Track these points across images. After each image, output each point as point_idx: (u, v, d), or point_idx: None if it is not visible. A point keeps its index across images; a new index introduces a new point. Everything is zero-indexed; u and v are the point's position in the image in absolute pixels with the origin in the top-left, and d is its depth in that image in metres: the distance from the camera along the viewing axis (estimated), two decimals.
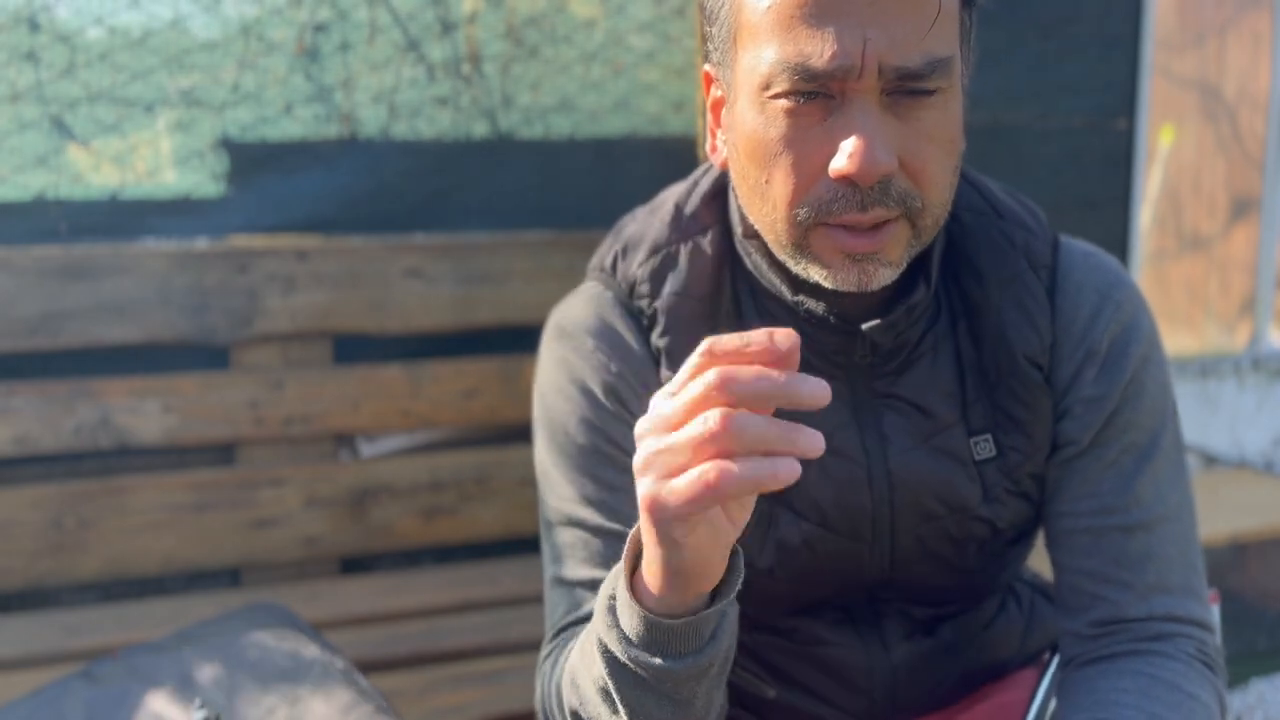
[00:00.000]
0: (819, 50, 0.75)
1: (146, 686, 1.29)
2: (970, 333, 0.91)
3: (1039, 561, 1.23)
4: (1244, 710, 2.32)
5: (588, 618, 0.91)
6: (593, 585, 0.91)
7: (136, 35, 1.96)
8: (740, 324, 0.91)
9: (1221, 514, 2.47)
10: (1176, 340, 3.15)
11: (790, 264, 0.84)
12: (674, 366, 0.90)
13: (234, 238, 2.01)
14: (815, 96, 0.77)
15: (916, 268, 0.88)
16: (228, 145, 2.03)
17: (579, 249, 2.13)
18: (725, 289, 0.92)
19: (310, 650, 1.37)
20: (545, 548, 0.96)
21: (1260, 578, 2.72)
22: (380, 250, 2.04)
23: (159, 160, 2.00)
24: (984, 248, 0.92)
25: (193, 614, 1.81)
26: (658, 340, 0.91)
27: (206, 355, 1.99)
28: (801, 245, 0.81)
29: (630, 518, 0.89)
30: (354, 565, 2.10)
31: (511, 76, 2.17)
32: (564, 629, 0.93)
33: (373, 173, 2.10)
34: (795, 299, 0.88)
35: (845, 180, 0.76)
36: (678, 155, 2.25)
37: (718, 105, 0.88)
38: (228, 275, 1.95)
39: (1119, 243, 2.73)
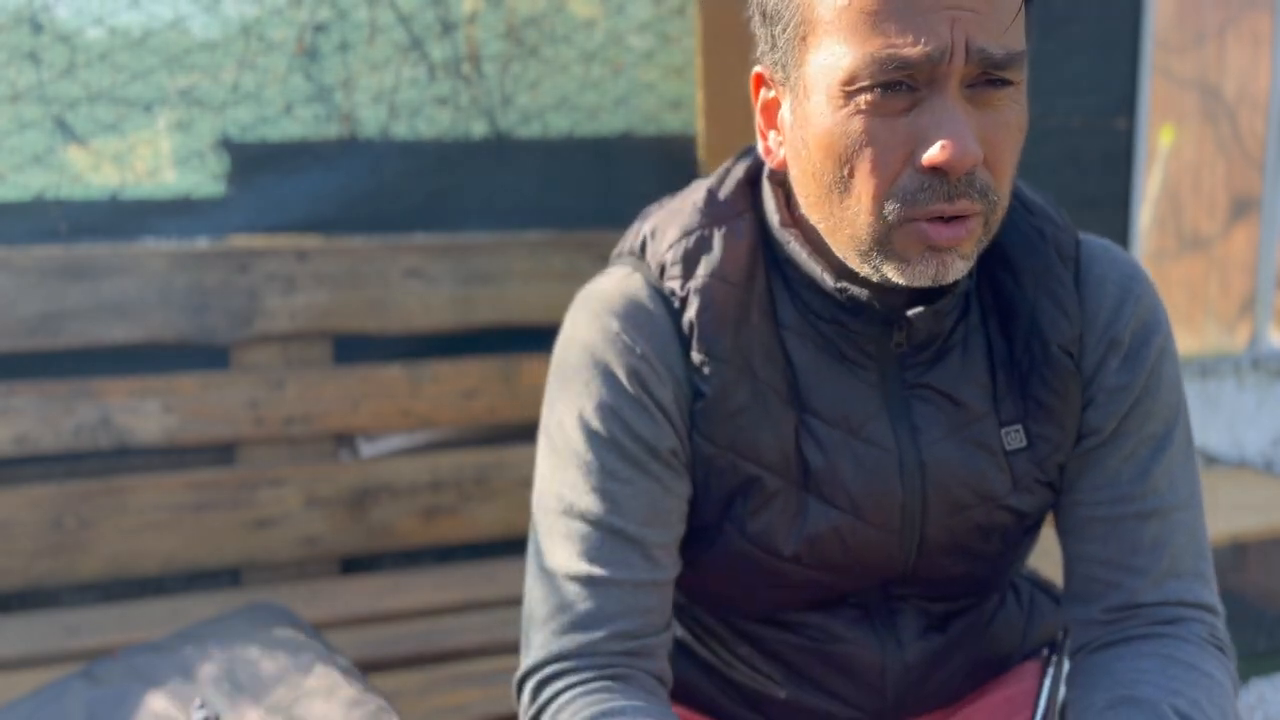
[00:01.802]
0: (910, 39, 0.75)
1: (146, 686, 1.29)
2: (1001, 326, 0.92)
3: (1036, 560, 1.24)
4: (1244, 710, 2.32)
5: (578, 623, 0.89)
6: (583, 580, 0.89)
7: (136, 35, 1.96)
8: (773, 310, 0.91)
9: (1221, 514, 2.47)
10: (1176, 340, 3.15)
11: (857, 260, 0.84)
12: (705, 349, 0.89)
13: (234, 238, 2.01)
14: (900, 89, 0.77)
15: None
16: (228, 145, 2.03)
17: (579, 249, 2.13)
18: (759, 275, 0.91)
19: (310, 650, 1.37)
20: (534, 535, 0.94)
21: (1260, 578, 2.72)
22: (380, 250, 2.04)
23: (159, 160, 2.00)
24: (1016, 241, 0.93)
25: (193, 614, 1.81)
26: (691, 319, 0.90)
27: (206, 355, 1.99)
28: (883, 242, 0.81)
29: (630, 513, 0.89)
30: (354, 565, 2.10)
31: (511, 76, 2.17)
32: (550, 660, 0.90)
33: (373, 173, 2.10)
34: (838, 285, 0.88)
35: (934, 171, 0.77)
36: (677, 154, 2.25)
37: (770, 107, 0.88)
38: (228, 275, 1.95)
39: (1119, 243, 2.73)
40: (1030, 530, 0.99)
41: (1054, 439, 0.93)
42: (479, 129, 2.16)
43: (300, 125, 2.06)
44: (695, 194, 0.96)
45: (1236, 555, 2.74)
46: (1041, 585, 1.13)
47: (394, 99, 2.11)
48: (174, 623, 1.76)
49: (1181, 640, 0.90)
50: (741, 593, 0.97)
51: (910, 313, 0.87)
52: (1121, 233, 2.74)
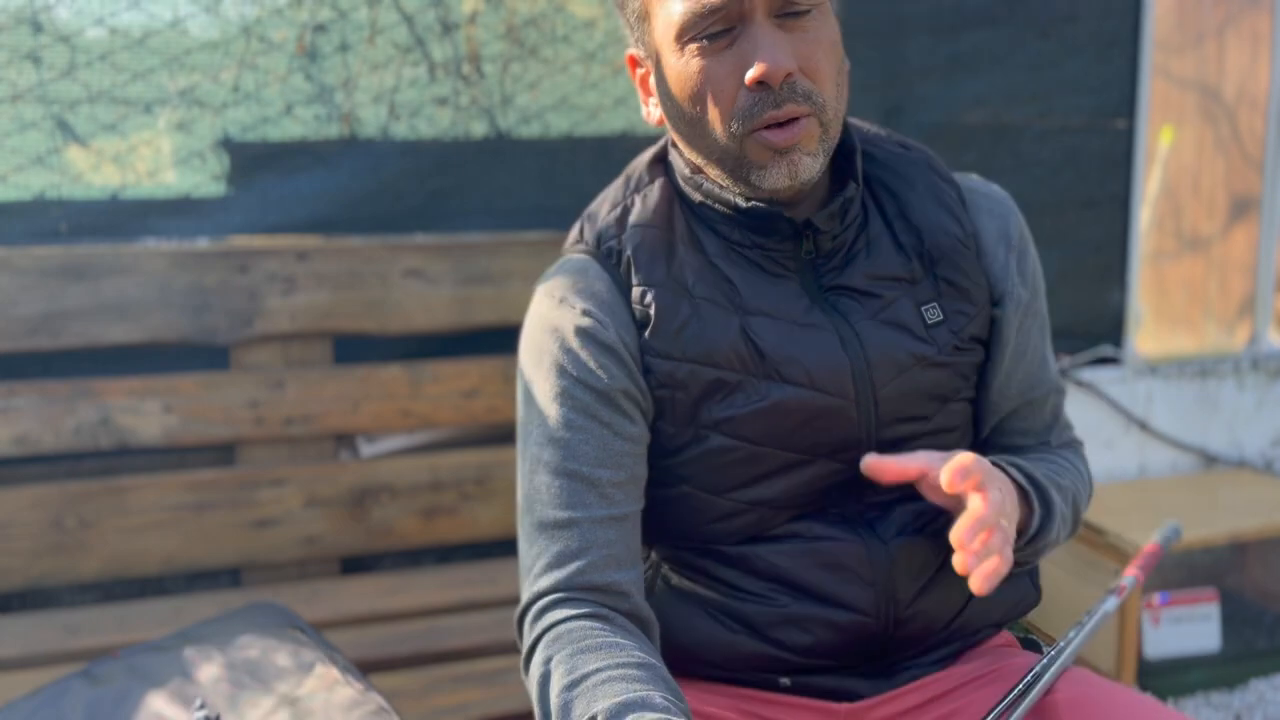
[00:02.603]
0: None
1: (146, 686, 1.29)
2: (906, 227, 1.10)
3: None
4: (1244, 710, 2.32)
5: (552, 563, 1.02)
6: (551, 524, 1.02)
7: (137, 35, 1.96)
8: (696, 243, 1.07)
9: (1221, 514, 2.47)
10: (1176, 340, 3.15)
11: (730, 181, 1.02)
12: (644, 278, 1.05)
13: (234, 238, 2.01)
14: (720, 34, 0.96)
15: (844, 174, 1.08)
16: (228, 145, 2.03)
17: None
18: (679, 220, 1.08)
19: (310, 650, 1.37)
20: (518, 493, 1.07)
21: (1260, 578, 2.72)
22: (380, 250, 2.04)
23: (159, 160, 2.00)
24: (900, 167, 1.12)
25: (193, 614, 1.81)
26: (629, 255, 1.06)
27: (206, 355, 1.99)
28: (739, 157, 0.99)
29: (583, 456, 1.02)
30: (354, 565, 2.10)
31: (511, 76, 2.17)
32: (535, 598, 1.02)
33: (373, 173, 2.10)
34: (750, 204, 1.03)
35: (760, 85, 0.95)
36: None
37: (644, 80, 1.08)
38: (228, 275, 1.95)
39: (1119, 243, 2.73)
40: (971, 398, 1.13)
41: (967, 312, 1.09)
42: (479, 129, 2.16)
43: (301, 125, 2.06)
44: (617, 181, 1.14)
45: (1236, 555, 2.74)
46: None
47: (394, 99, 2.11)
48: (174, 623, 1.76)
49: (1060, 447, 1.20)
50: (727, 501, 1.06)
51: (816, 216, 1.03)
52: (1121, 233, 2.73)
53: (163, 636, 1.45)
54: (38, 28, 1.90)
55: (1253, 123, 3.09)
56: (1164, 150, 3.02)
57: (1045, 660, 1.04)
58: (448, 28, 2.12)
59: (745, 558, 1.07)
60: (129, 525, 1.92)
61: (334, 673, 1.32)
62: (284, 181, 2.06)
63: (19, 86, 1.91)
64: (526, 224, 2.18)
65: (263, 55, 2.02)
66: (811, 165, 0.99)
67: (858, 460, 1.05)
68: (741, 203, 1.03)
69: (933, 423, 1.09)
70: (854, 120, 1.14)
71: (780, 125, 0.97)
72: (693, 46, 0.97)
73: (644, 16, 1.02)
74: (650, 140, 2.26)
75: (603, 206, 1.12)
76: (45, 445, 1.88)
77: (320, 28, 2.05)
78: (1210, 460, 2.93)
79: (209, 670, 1.32)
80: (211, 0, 1.98)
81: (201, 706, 1.23)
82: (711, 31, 0.96)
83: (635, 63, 1.08)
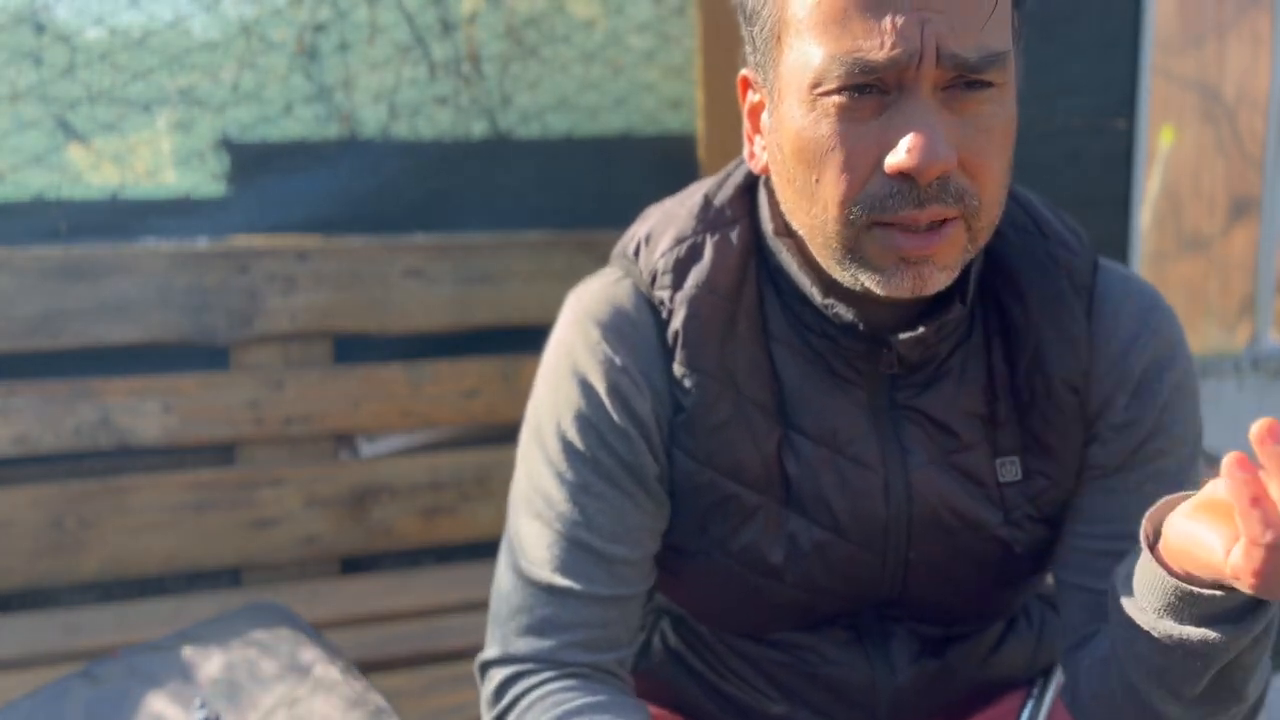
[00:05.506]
0: (877, 42, 0.72)
1: (146, 686, 1.29)
2: (1005, 353, 0.89)
3: None
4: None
5: (535, 628, 0.89)
6: (545, 587, 0.89)
7: (136, 35, 1.96)
8: (763, 321, 0.89)
9: None
10: None
11: (837, 269, 0.81)
12: (688, 362, 0.87)
13: (234, 238, 2.01)
14: (869, 91, 0.74)
15: (954, 281, 0.84)
16: (228, 145, 2.03)
17: (578, 249, 2.13)
18: (749, 286, 0.89)
19: (310, 650, 1.37)
20: (508, 526, 0.94)
21: None
22: (380, 250, 2.04)
23: (159, 160, 2.00)
24: (1027, 266, 0.89)
25: (193, 614, 1.80)
26: (676, 328, 0.88)
27: (206, 355, 1.99)
28: (853, 249, 0.78)
29: (599, 528, 0.88)
30: (354, 565, 2.10)
31: (511, 76, 2.17)
32: (507, 660, 0.91)
33: (373, 173, 2.10)
34: (825, 301, 0.85)
35: (902, 176, 0.74)
36: (677, 155, 2.25)
37: (755, 110, 0.87)
38: (228, 275, 1.95)
39: (1119, 243, 2.73)
40: (1030, 571, 0.96)
41: (1052, 475, 0.90)
42: (479, 129, 2.16)
43: (300, 125, 2.06)
44: (692, 198, 0.93)
45: None
46: (1052, 603, 1.10)
47: (394, 99, 2.10)
48: (174, 623, 1.75)
49: None
50: (724, 609, 0.97)
51: (902, 336, 0.84)
52: (1121, 233, 2.73)
53: (163, 636, 1.44)
54: (38, 28, 1.90)
55: (1253, 123, 3.09)
56: (1164, 150, 3.02)
57: (1033, 705, 1.01)
58: (447, 27, 2.12)
59: (747, 653, 0.99)
60: (129, 525, 1.91)
61: (334, 673, 1.32)
62: (284, 181, 2.05)
63: (19, 86, 1.91)
64: (526, 224, 2.18)
65: (263, 55, 2.02)
66: (942, 280, 0.78)
67: (874, 598, 0.94)
68: (817, 296, 0.85)
69: (979, 586, 0.94)
70: None
71: (916, 229, 0.76)
72: (829, 102, 0.75)
73: (774, 40, 0.80)
74: (656, 140, 2.27)
75: (666, 231, 0.91)
76: (45, 445, 1.88)
77: (320, 27, 2.04)
78: (1210, 460, 2.93)
79: (209, 670, 1.32)
80: (211, 0, 1.98)
81: (201, 706, 1.23)
82: (856, 85, 0.74)
83: (748, 86, 0.87)
